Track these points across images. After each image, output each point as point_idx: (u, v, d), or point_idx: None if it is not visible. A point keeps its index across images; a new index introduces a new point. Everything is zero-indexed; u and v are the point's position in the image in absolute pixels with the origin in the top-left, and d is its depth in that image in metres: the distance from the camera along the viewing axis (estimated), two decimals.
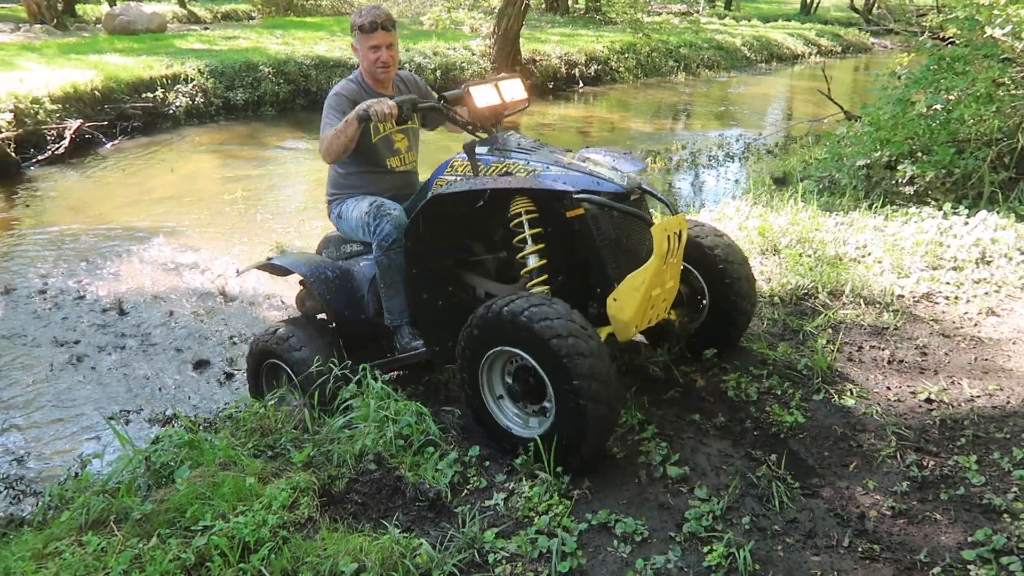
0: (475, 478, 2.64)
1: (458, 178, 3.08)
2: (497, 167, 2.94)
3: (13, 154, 8.99)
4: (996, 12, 4.61)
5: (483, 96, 3.04)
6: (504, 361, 2.68)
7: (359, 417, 2.85)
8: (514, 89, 3.14)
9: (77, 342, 4.89)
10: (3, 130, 9.20)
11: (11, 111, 9.49)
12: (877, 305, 3.88)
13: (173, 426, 3.62)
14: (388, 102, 2.95)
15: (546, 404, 2.58)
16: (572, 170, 2.81)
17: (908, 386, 3.19)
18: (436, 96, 3.38)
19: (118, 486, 2.59)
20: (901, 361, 3.38)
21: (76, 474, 2.88)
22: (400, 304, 3.27)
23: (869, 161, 5.75)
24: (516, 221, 2.87)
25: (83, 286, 5.75)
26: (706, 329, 3.30)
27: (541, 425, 2.63)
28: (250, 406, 3.07)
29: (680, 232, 2.76)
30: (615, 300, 2.68)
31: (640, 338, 3.53)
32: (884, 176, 5.60)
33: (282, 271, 3.58)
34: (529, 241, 2.84)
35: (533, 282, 2.83)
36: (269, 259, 3.62)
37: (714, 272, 3.18)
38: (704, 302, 3.27)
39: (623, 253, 2.80)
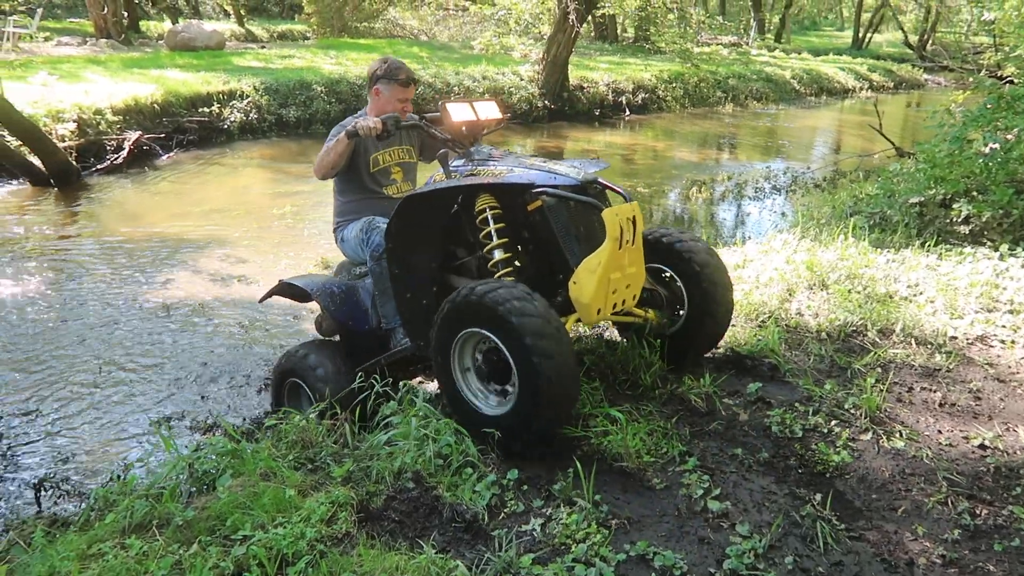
0: (512, 502, 2.62)
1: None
2: (468, 172, 3.15)
3: (74, 163, 9.31)
4: None
5: (458, 112, 3.27)
6: (475, 343, 2.82)
7: (399, 434, 2.86)
8: (488, 109, 3.38)
9: (125, 348, 5.01)
10: (66, 139, 9.54)
11: (75, 121, 9.86)
12: (929, 346, 3.78)
13: (215, 434, 3.67)
14: (373, 119, 3.31)
15: (509, 387, 2.72)
16: (533, 169, 3.01)
17: (960, 431, 3.09)
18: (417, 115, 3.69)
19: (161, 491, 2.63)
20: (953, 404, 3.28)
21: (119, 477, 2.93)
22: (392, 308, 3.47)
23: (923, 199, 5.63)
24: (481, 217, 3.08)
25: (133, 293, 5.90)
26: (683, 333, 3.39)
27: (504, 405, 2.76)
28: (291, 418, 3.10)
29: (634, 218, 2.91)
30: (575, 283, 2.83)
31: (611, 330, 3.77)
32: (938, 214, 5.47)
33: (294, 289, 3.81)
34: (494, 235, 3.05)
35: (500, 273, 3.03)
36: (282, 280, 3.85)
37: (691, 276, 3.30)
38: (682, 309, 3.37)
39: (584, 243, 2.96)
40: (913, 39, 32.42)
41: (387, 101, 3.64)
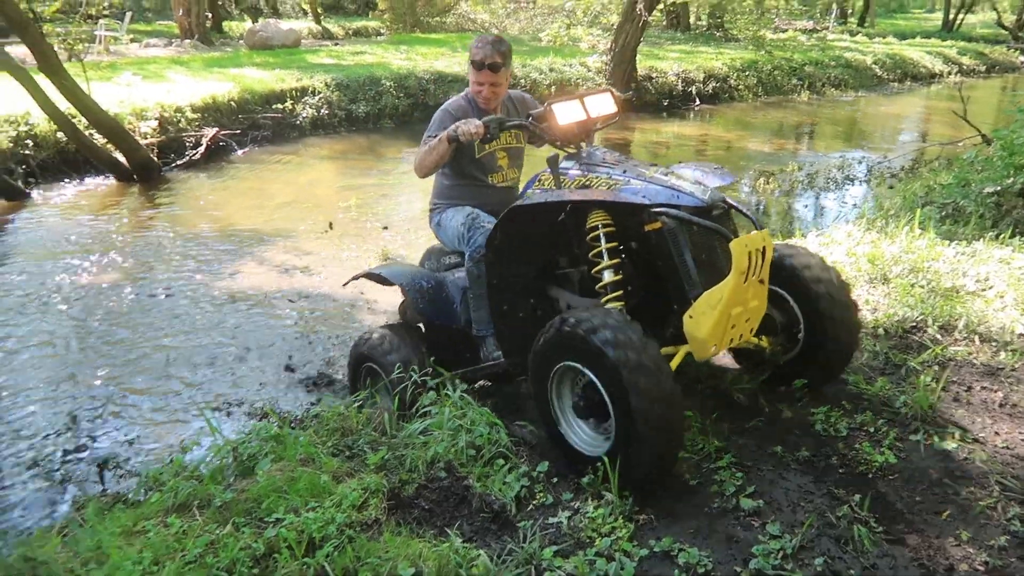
0: (541, 494, 2.63)
1: (543, 191, 3.11)
2: (580, 180, 2.94)
3: (155, 159, 9.76)
4: None
5: (566, 113, 3.04)
6: (573, 376, 2.66)
7: (434, 424, 2.91)
8: (602, 104, 3.14)
9: (192, 336, 5.24)
10: (148, 136, 10.02)
11: (156, 119, 10.34)
12: (994, 343, 3.59)
13: (268, 420, 3.81)
14: (476, 122, 3.08)
15: (608, 426, 2.55)
16: (652, 183, 2.76)
17: (1020, 432, 2.93)
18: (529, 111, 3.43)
19: (206, 473, 2.76)
20: (1015, 405, 3.11)
21: (172, 460, 3.08)
22: (486, 315, 3.30)
23: (1000, 188, 5.34)
24: (593, 234, 2.85)
25: (203, 283, 6.16)
26: (801, 361, 3.11)
27: (603, 445, 2.59)
28: (333, 406, 3.19)
29: (764, 249, 2.64)
30: (691, 317, 2.61)
31: (729, 360, 3.44)
32: (1016, 205, 5.18)
33: (382, 280, 3.72)
34: (605, 255, 2.82)
35: (608, 297, 2.80)
36: (370, 269, 3.80)
37: (810, 300, 3.01)
38: (799, 332, 3.09)
39: (703, 269, 2.70)
40: (1010, 19, 30.58)
41: (472, 84, 3.40)
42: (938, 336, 3.70)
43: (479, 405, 3.01)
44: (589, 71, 15.59)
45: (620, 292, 2.82)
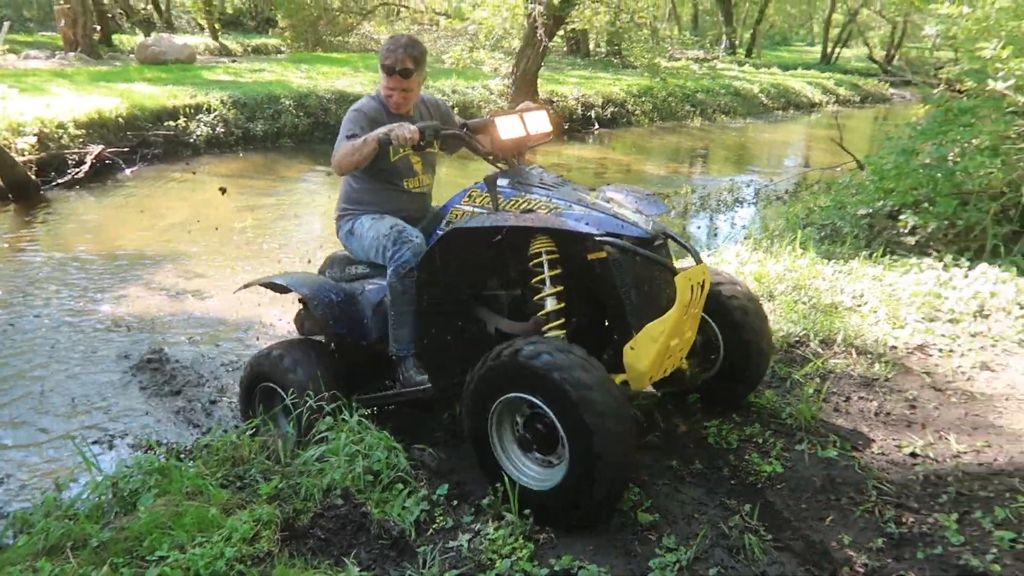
0: (441, 517, 2.60)
1: (475, 209, 3.01)
2: (518, 201, 2.87)
3: (33, 176, 9.18)
4: (999, 65, 4.60)
5: (508, 127, 2.96)
6: (515, 409, 2.59)
7: (330, 450, 2.83)
8: (539, 121, 3.08)
9: (69, 365, 4.92)
10: (26, 153, 9.41)
11: (35, 135, 9.73)
12: (869, 355, 3.82)
13: (153, 452, 3.61)
14: (410, 127, 2.89)
15: (554, 458, 2.53)
16: (595, 211, 2.73)
17: (894, 439, 3.12)
18: (458, 121, 3.38)
19: (82, 511, 2.58)
20: (888, 413, 3.31)
21: (44, 498, 2.86)
22: (408, 334, 3.14)
23: (871, 210, 5.71)
24: (536, 261, 2.79)
25: (83, 309, 5.81)
26: (716, 382, 3.20)
27: (549, 479, 2.53)
28: (225, 434, 3.06)
29: (703, 282, 2.71)
30: (632, 349, 2.60)
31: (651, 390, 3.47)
32: (886, 226, 5.55)
33: (281, 289, 3.52)
34: (548, 283, 2.76)
35: (550, 325, 2.74)
36: (268, 277, 3.58)
37: (731, 326, 3.09)
38: (718, 353, 3.17)
39: (643, 300, 2.69)
40: (880, 54, 32.96)
41: (383, 89, 3.25)
42: (819, 350, 3.90)
43: (377, 429, 2.95)
44: (492, 94, 15.75)
45: (563, 320, 2.77)
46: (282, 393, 3.28)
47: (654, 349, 2.56)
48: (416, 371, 3.17)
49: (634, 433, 2.45)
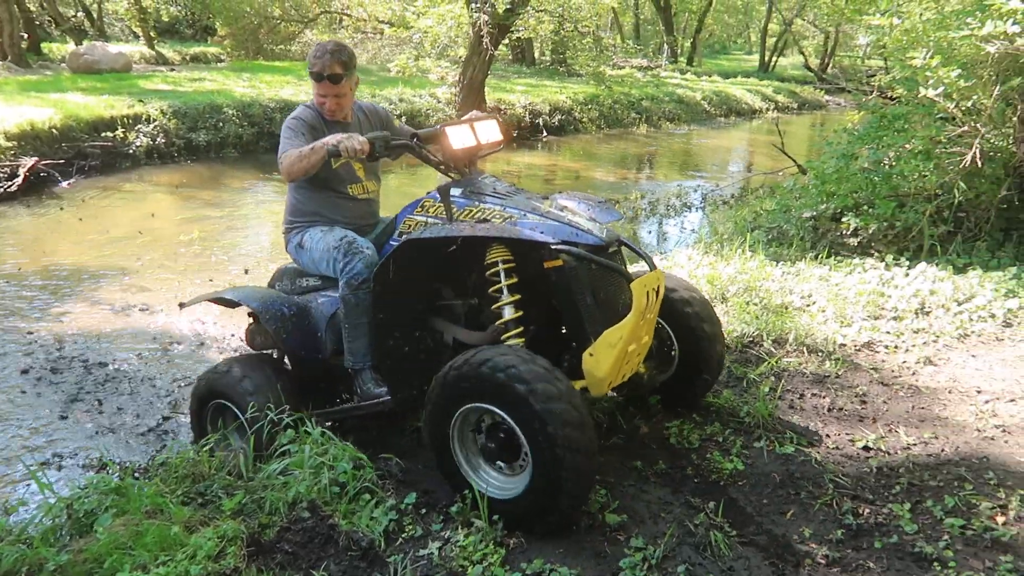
0: (411, 526, 2.59)
1: (429, 219, 2.98)
2: (472, 211, 2.85)
3: None
4: (929, 73, 4.80)
5: (459, 137, 2.95)
6: (477, 419, 2.60)
7: (294, 463, 2.79)
8: (490, 131, 3.08)
9: (9, 386, 4.74)
10: None
11: None
12: (820, 353, 3.94)
13: (107, 472, 3.50)
14: (359, 138, 2.83)
15: (518, 465, 2.53)
16: (550, 219, 2.74)
17: (847, 434, 3.22)
18: (407, 129, 3.35)
19: (36, 535, 2.49)
20: (841, 409, 3.42)
21: None
22: (364, 346, 3.11)
23: (815, 213, 5.90)
24: (492, 270, 2.80)
25: (24, 327, 5.59)
26: (673, 384, 3.26)
27: (511, 488, 2.55)
28: (182, 451, 2.99)
29: (658, 287, 2.76)
30: (591, 355, 2.62)
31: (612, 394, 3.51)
32: (830, 228, 5.74)
33: (230, 304, 3.44)
34: (505, 292, 2.77)
35: (509, 334, 2.75)
36: (217, 292, 3.51)
37: (686, 328, 3.16)
38: (674, 355, 3.23)
39: (599, 307, 2.71)
40: (815, 62, 34.03)
41: (315, 96, 3.22)
42: (772, 349, 4.01)
43: (341, 441, 2.92)
44: (439, 102, 15.75)
45: (521, 328, 2.78)
46: (235, 410, 3.22)
47: (612, 355, 2.59)
48: (374, 383, 3.14)
49: (596, 442, 2.46)
